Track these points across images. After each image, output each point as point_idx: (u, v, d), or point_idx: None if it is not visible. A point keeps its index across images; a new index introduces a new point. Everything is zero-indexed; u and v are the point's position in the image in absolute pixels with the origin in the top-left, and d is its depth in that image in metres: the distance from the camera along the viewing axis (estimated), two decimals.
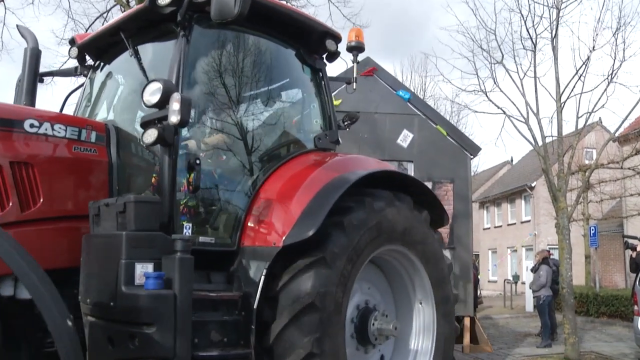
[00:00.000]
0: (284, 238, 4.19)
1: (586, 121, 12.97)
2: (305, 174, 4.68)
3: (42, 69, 5.58)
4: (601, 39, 14.77)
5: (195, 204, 4.47)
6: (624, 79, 23.50)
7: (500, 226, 40.15)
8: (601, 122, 27.75)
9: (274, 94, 5.41)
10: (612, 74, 12.69)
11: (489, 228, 42.21)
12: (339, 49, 5.64)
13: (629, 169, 19.69)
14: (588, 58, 12.69)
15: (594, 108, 12.68)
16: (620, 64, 12.77)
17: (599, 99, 12.61)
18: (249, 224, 4.56)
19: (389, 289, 5.37)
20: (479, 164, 51.58)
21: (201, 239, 4.38)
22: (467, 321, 9.66)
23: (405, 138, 9.69)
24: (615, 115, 61.55)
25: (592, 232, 21.21)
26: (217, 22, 4.22)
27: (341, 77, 6.21)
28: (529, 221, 35.38)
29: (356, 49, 5.81)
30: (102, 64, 5.58)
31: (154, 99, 3.99)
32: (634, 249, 13.16)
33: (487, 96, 13.43)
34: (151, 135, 4.02)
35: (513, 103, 21.36)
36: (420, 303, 5.27)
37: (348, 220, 4.39)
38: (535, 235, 33.45)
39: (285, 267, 4.20)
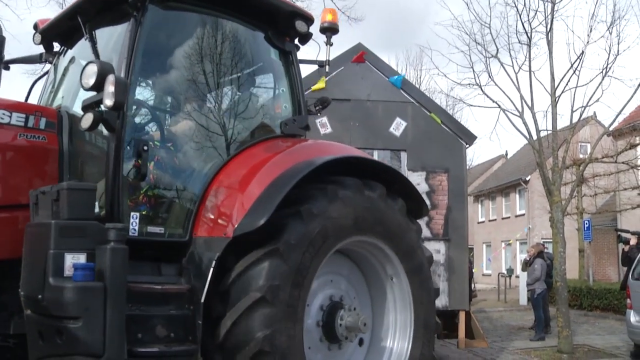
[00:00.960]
0: (234, 228, 3.99)
1: (581, 115, 13.02)
2: (263, 161, 4.42)
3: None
4: (596, 33, 14.82)
5: (144, 193, 4.30)
6: (618, 73, 23.75)
7: (495, 220, 40.21)
8: (596, 117, 27.79)
9: (237, 78, 5.15)
10: (606, 67, 12.75)
11: (483, 222, 42.28)
12: (310, 31, 5.37)
13: (623, 163, 19.79)
14: (583, 52, 12.75)
15: (588, 102, 12.74)
16: (615, 58, 12.84)
17: (594, 93, 12.67)
18: (203, 214, 4.34)
19: (364, 283, 5.13)
20: (474, 157, 51.75)
21: (149, 229, 4.20)
22: (462, 315, 9.44)
23: (398, 126, 9.46)
24: (609, 110, 61.77)
25: (586, 226, 21.26)
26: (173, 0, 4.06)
27: (313, 60, 5.89)
28: (523, 215, 35.46)
29: (330, 30, 5.58)
30: (65, 49, 5.39)
31: (91, 81, 3.80)
32: (627, 243, 13.25)
33: (482, 90, 13.47)
34: (87, 119, 3.85)
35: (508, 97, 21.47)
36: (396, 297, 5.00)
37: (307, 209, 4.11)
38: (529, 229, 33.56)
39: (239, 259, 3.99)
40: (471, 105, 14.22)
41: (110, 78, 3.74)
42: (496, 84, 13.56)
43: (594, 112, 29.77)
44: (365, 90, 9.50)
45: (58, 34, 5.30)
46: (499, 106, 12.97)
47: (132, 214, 4.10)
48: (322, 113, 8.86)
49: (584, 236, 21.88)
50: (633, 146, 19.55)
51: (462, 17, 38.35)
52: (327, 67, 5.76)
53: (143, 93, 4.81)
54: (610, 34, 12.97)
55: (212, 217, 4.29)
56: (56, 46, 5.51)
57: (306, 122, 5.34)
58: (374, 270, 5.02)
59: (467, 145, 9.74)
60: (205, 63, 4.84)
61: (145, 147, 4.12)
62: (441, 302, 8.75)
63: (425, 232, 8.82)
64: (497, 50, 13.08)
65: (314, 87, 8.87)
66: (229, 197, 4.30)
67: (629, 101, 13.00)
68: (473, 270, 23.23)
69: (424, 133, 9.56)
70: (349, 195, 4.42)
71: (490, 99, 13.25)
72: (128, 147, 4.14)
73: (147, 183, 4.31)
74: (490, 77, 13.69)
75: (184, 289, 4.05)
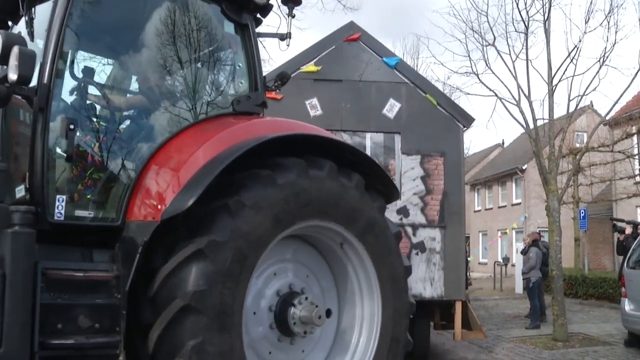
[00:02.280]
0: (162, 212, 3.76)
1: (577, 104, 13.05)
2: (202, 141, 4.12)
3: None
4: (593, 21, 14.83)
5: (73, 174, 4.07)
6: (615, 62, 23.74)
7: (491, 208, 40.26)
8: (592, 106, 27.85)
9: (186, 53, 4.80)
10: (604, 56, 12.78)
11: (479, 210, 42.33)
12: (270, 2, 5.17)
13: (619, 152, 19.82)
14: (580, 40, 12.77)
15: (585, 91, 12.78)
16: (612, 47, 12.86)
17: (591, 81, 12.71)
18: (137, 197, 4.06)
19: (329, 273, 4.87)
20: (471, 146, 51.75)
21: (78, 212, 3.94)
22: (458, 305, 9.06)
23: (391, 108, 9.04)
24: (606, 99, 61.77)
25: (581, 215, 21.33)
26: None
27: (273, 33, 5.58)
28: (519, 204, 35.51)
29: (292, 1, 5.39)
30: (13, 25, 5.09)
31: None
32: (622, 232, 13.30)
33: (478, 78, 13.47)
34: None
35: (505, 85, 21.52)
36: (361, 286, 4.75)
37: (236, 202, 3.79)
38: (526, 218, 33.65)
39: (168, 246, 3.77)
40: (468, 94, 14.18)
41: (15, 50, 3.48)
42: (493, 72, 13.62)
43: (591, 101, 29.74)
44: (357, 71, 9.10)
45: (4, 9, 4.93)
46: (496, 95, 12.98)
47: (58, 196, 3.84)
48: (312, 94, 8.72)
49: (579, 225, 21.95)
50: (629, 135, 19.61)
51: (459, 5, 38.23)
52: (288, 40, 5.53)
53: (80, 68, 4.48)
54: (608, 22, 13.01)
55: (145, 200, 4.03)
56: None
57: (262, 99, 4.99)
58: (336, 257, 4.76)
59: (465, 128, 9.36)
60: (151, 37, 4.56)
61: (72, 126, 3.86)
62: (436, 291, 8.64)
63: (420, 219, 8.76)
64: (494, 38, 13.09)
65: (305, 69, 8.73)
66: (163, 179, 4.05)
67: (625, 90, 13.09)
68: (469, 259, 23.33)
69: (419, 115, 9.15)
70: (290, 179, 4.08)
71: (487, 87, 13.32)
72: (54, 126, 3.89)
73: (76, 164, 4.06)
74: (487, 65, 13.71)
75: (110, 276, 3.77)
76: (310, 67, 8.78)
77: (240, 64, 5.03)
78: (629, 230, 13.14)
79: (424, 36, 55.36)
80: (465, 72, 13.87)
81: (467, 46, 14.80)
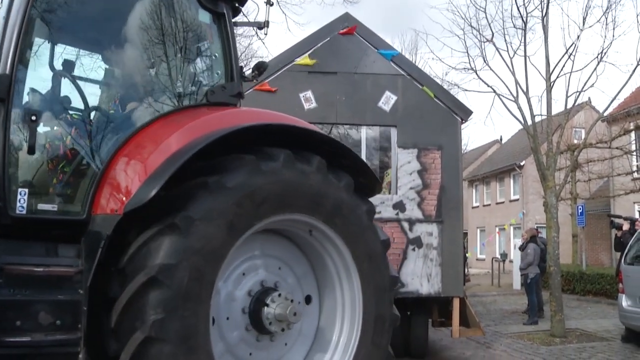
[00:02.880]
0: (125, 204, 3.62)
1: (575, 100, 13.09)
2: (169, 132, 3.97)
3: None
4: (591, 18, 14.84)
5: (36, 167, 3.93)
6: (613, 58, 23.73)
7: (489, 205, 40.30)
8: (590, 102, 27.89)
9: (160, 43, 4.63)
10: (601, 53, 12.79)
11: (477, 206, 42.38)
12: None
13: (617, 148, 19.86)
14: (578, 37, 12.78)
15: (583, 87, 12.81)
16: (610, 43, 12.89)
17: (589, 78, 12.74)
18: (104, 189, 3.91)
19: (310, 271, 4.72)
20: (469, 142, 51.71)
21: (41, 206, 3.79)
22: (456, 302, 8.87)
23: (387, 101, 8.85)
24: (604, 95, 61.85)
25: (579, 211, 21.32)
26: None
27: (251, 22, 5.47)
28: (517, 200, 35.55)
29: None
30: None
31: None
32: (619, 228, 13.32)
33: (477, 74, 13.50)
34: None
35: (503, 82, 21.38)
36: (338, 269, 4.57)
37: (216, 181, 3.66)
38: (524, 214, 33.68)
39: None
40: (466, 90, 14.26)
41: None
42: (491, 69, 13.65)
43: (589, 98, 29.85)
44: (352, 63, 8.90)
45: None
46: (494, 91, 12.99)
47: (20, 190, 3.71)
48: (306, 87, 8.59)
49: (577, 221, 21.95)
50: (627, 132, 19.65)
51: (457, 1, 38.20)
52: (266, 29, 5.43)
53: (45, 58, 4.34)
54: (606, 18, 13.03)
55: (111, 192, 3.88)
56: None
57: (238, 89, 4.80)
58: (308, 244, 4.58)
59: (463, 121, 9.16)
60: (122, 26, 4.41)
61: (34, 117, 3.75)
62: (434, 288, 8.54)
63: (417, 214, 8.63)
64: (493, 34, 13.12)
65: (299, 61, 8.61)
66: (130, 170, 3.89)
67: (623, 87, 13.08)
68: (467, 255, 23.34)
69: (416, 108, 8.93)
70: (274, 167, 3.96)
71: (485, 83, 13.29)
72: (15, 117, 3.77)
73: (38, 156, 3.91)
74: (485, 61, 13.71)
75: (72, 272, 3.63)
76: (305, 59, 8.66)
77: (217, 54, 4.87)
78: (626, 226, 13.14)
79: (423, 32, 55.27)
80: (464, 68, 13.92)
81: (465, 42, 14.80)
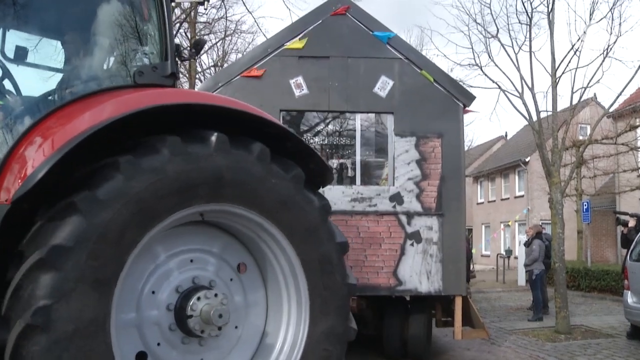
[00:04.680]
0: (14, 193, 3.32)
1: (581, 96, 13.07)
2: (80, 113, 3.59)
3: None
4: (598, 13, 14.82)
5: None
6: (619, 54, 23.61)
7: (494, 201, 40.18)
8: (596, 98, 27.85)
9: (82, 19, 4.29)
10: (607, 48, 12.80)
11: (482, 203, 42.26)
12: None
13: (622, 144, 19.84)
14: (584, 33, 12.76)
15: (589, 83, 12.81)
16: (617, 39, 12.94)
17: (594, 74, 12.78)
18: (5, 177, 3.62)
19: (256, 270, 4.35)
20: (474, 138, 51.60)
21: None
22: (458, 301, 8.28)
23: (383, 86, 8.35)
24: (610, 91, 61.63)
25: (584, 207, 21.28)
26: None
27: None
28: (522, 196, 35.42)
29: None
30: None
31: None
32: (625, 224, 13.28)
33: (482, 70, 13.53)
34: None
35: (508, 77, 21.49)
36: (284, 271, 4.19)
37: (128, 160, 3.35)
38: (529, 210, 33.63)
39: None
40: (471, 86, 14.15)
41: None
42: (496, 65, 13.71)
43: (594, 94, 29.78)
44: (345, 46, 8.38)
45: None
46: (499, 87, 13.01)
47: None
48: (296, 72, 8.19)
49: (582, 218, 21.91)
50: (633, 128, 19.57)
51: None
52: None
53: None
54: (612, 14, 13.05)
55: (9, 180, 3.58)
56: None
57: (171, 69, 4.38)
58: (249, 239, 4.21)
59: (465, 107, 8.58)
60: (46, 2, 4.12)
61: None
62: (434, 286, 8.04)
63: (416, 206, 8.12)
64: (497, 30, 13.12)
65: (289, 45, 8.27)
66: (29, 156, 3.57)
67: (629, 82, 13.14)
68: (472, 251, 23.34)
69: (414, 93, 8.36)
70: (204, 151, 3.64)
71: (490, 79, 13.37)
72: None
73: None
74: (490, 57, 13.72)
75: None
76: (295, 43, 8.26)
77: (152, 33, 4.48)
78: (632, 223, 13.11)
79: (428, 28, 55.16)
80: (469, 65, 13.95)
81: (470, 38, 14.83)
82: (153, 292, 3.76)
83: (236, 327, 4.14)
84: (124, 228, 3.30)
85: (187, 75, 22.00)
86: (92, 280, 3.17)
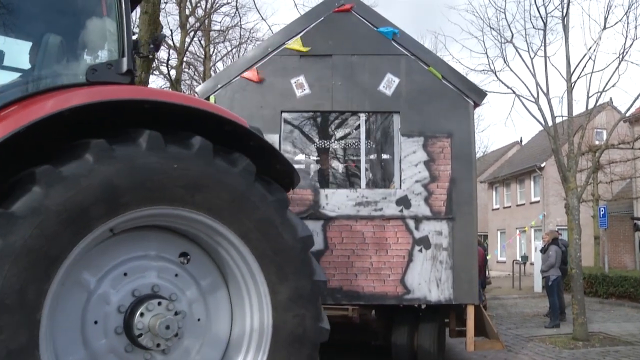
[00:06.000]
0: None
1: (597, 101, 12.85)
2: (15, 114, 3.36)
3: None
4: (612, 17, 14.63)
5: None
6: (635, 57, 23.25)
7: (509, 207, 39.97)
8: (612, 102, 27.56)
9: (32, 12, 4.12)
10: (623, 52, 12.59)
11: (497, 209, 42.05)
12: None
13: (639, 149, 19.51)
14: (599, 37, 12.54)
15: (604, 87, 12.59)
16: (632, 42, 12.68)
17: (610, 78, 12.53)
18: None
19: (219, 278, 4.10)
20: (489, 144, 51.26)
21: None
22: (470, 310, 7.77)
23: (389, 84, 7.98)
24: (626, 95, 61.07)
25: (601, 213, 21.05)
26: None
27: None
28: (538, 202, 35.18)
29: None
30: None
31: None
32: None
33: (496, 76, 13.37)
34: None
35: (523, 82, 21.26)
36: (242, 273, 3.92)
37: (46, 171, 3.11)
38: (544, 216, 33.29)
39: None
40: (486, 92, 13.98)
41: None
42: (511, 70, 13.47)
43: (610, 98, 29.50)
44: (349, 44, 8.04)
45: None
46: (514, 92, 12.85)
47: None
48: (298, 72, 7.92)
49: (599, 223, 21.68)
50: None
51: (474, 2, 37.87)
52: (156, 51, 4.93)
53: None
54: (628, 17, 12.82)
55: None
56: None
57: (128, 66, 4.14)
58: (224, 261, 3.99)
59: (476, 105, 8.13)
60: None
61: None
62: (444, 294, 7.56)
63: (424, 210, 7.66)
64: (512, 35, 12.94)
65: (290, 45, 7.98)
66: None
67: None
68: (487, 257, 23.09)
69: (422, 91, 7.98)
70: (133, 152, 3.39)
71: (505, 85, 13.13)
72: None
73: None
74: (505, 62, 13.53)
75: None
76: (297, 43, 7.95)
77: (111, 30, 4.23)
78: None
79: (442, 34, 55.02)
80: (483, 70, 13.75)
81: (484, 44, 14.66)
82: (96, 322, 3.50)
83: (199, 320, 3.91)
84: (47, 244, 3.05)
85: (200, 82, 22.01)
86: (14, 303, 2.94)
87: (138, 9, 12.67)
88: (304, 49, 7.90)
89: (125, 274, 3.64)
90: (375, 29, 8.10)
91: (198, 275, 3.97)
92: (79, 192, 3.16)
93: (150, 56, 4.95)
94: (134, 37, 4.40)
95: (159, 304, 3.55)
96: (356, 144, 8.19)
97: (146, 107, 3.56)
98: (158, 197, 3.45)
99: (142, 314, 3.49)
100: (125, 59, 4.13)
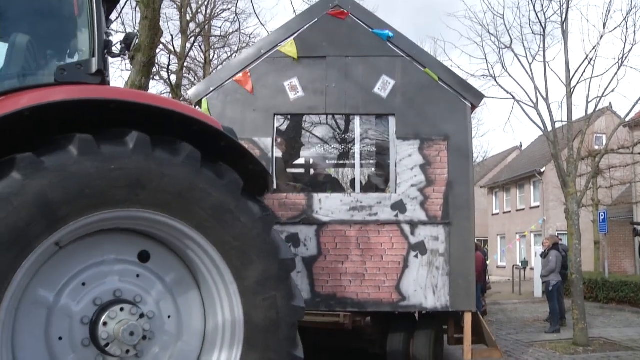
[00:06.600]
0: None
1: (596, 106, 12.82)
2: None
3: None
4: (611, 22, 14.55)
5: None
6: (635, 62, 23.07)
7: (509, 212, 39.95)
8: (611, 107, 27.49)
9: (5, 17, 4.04)
10: (622, 57, 12.53)
11: (497, 214, 42.03)
12: None
13: (639, 154, 19.38)
14: (598, 43, 12.45)
15: (604, 92, 12.54)
16: (631, 47, 12.59)
17: (609, 83, 12.50)
18: None
19: (193, 286, 3.96)
20: (488, 149, 51.17)
21: None
22: (467, 318, 7.57)
23: (384, 86, 7.78)
24: (625, 100, 61.10)
25: (601, 218, 20.97)
26: None
27: None
28: (538, 207, 35.15)
29: None
30: None
31: None
32: None
33: (496, 81, 13.29)
34: None
35: (522, 88, 21.26)
36: (224, 313, 3.81)
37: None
38: (544, 221, 33.18)
39: None
40: (485, 97, 13.82)
41: None
42: (510, 75, 13.41)
43: (610, 103, 29.40)
44: (343, 45, 7.87)
45: None
46: (514, 97, 12.82)
47: None
48: (291, 74, 7.77)
49: (599, 228, 21.60)
50: None
51: (474, 8, 37.89)
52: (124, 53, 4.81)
53: None
54: (627, 22, 12.75)
55: None
56: None
57: (98, 67, 4.03)
58: (200, 272, 3.87)
59: (473, 107, 7.99)
60: None
61: None
62: (440, 301, 7.38)
63: (420, 215, 7.58)
64: (511, 40, 12.84)
65: (283, 48, 7.83)
66: None
67: None
68: (487, 262, 22.96)
69: (417, 93, 7.81)
70: (119, 152, 3.33)
71: (504, 90, 13.01)
72: None
73: None
74: (504, 68, 13.44)
75: None
76: (290, 45, 7.80)
77: (83, 29, 4.13)
78: None
79: (441, 39, 55.09)
80: (482, 75, 13.65)
81: (483, 49, 14.55)
82: (60, 338, 3.39)
83: (169, 317, 3.78)
84: (17, 233, 2.98)
85: None
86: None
87: (138, 13, 12.57)
88: (296, 56, 7.76)
89: (83, 284, 3.50)
90: (371, 29, 7.94)
91: (161, 272, 3.82)
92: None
93: (122, 56, 4.72)
94: (110, 38, 4.33)
95: (122, 309, 3.44)
96: (350, 147, 8.04)
97: (112, 107, 3.44)
98: (100, 202, 3.28)
99: (105, 323, 3.38)
100: (95, 59, 4.02)
